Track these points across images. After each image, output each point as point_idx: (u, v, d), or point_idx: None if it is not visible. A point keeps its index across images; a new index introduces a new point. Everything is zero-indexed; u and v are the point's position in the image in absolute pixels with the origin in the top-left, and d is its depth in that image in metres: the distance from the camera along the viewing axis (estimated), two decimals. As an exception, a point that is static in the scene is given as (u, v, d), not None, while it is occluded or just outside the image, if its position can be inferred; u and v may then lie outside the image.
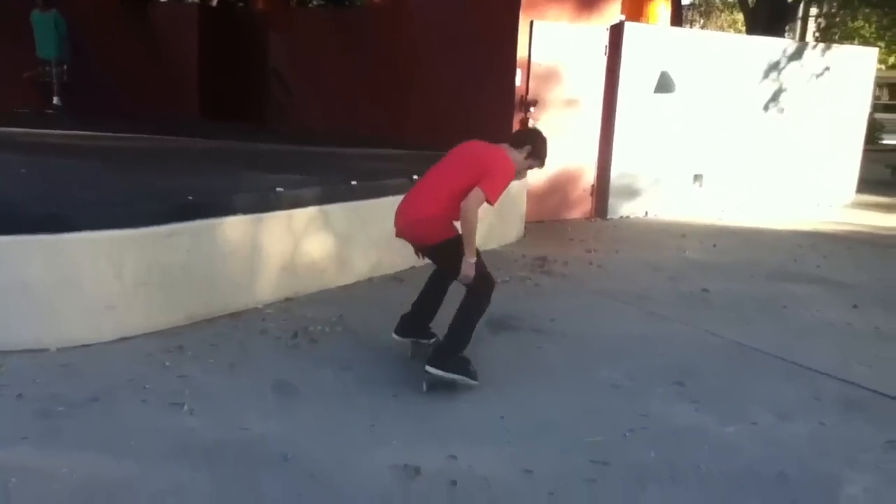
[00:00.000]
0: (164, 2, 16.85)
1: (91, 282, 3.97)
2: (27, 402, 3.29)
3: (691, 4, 28.31)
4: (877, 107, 17.47)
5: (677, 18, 17.91)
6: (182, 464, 2.83)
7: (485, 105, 7.83)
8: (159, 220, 4.17)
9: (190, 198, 4.41)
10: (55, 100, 10.31)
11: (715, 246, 7.18)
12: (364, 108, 9.77)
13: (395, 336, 3.98)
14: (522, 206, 7.16)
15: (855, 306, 5.28)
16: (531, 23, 7.50)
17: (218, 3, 18.47)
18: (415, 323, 3.98)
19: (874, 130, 15.06)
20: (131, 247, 4.08)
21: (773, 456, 3.08)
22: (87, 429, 3.08)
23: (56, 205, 4.19)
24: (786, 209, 9.38)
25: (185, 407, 3.31)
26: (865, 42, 17.71)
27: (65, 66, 10.32)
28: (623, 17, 8.35)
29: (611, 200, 8.33)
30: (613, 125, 8.13)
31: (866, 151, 10.88)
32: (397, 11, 9.39)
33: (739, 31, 23.33)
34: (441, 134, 8.09)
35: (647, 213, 8.59)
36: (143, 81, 11.23)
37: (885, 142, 16.03)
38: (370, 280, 5.44)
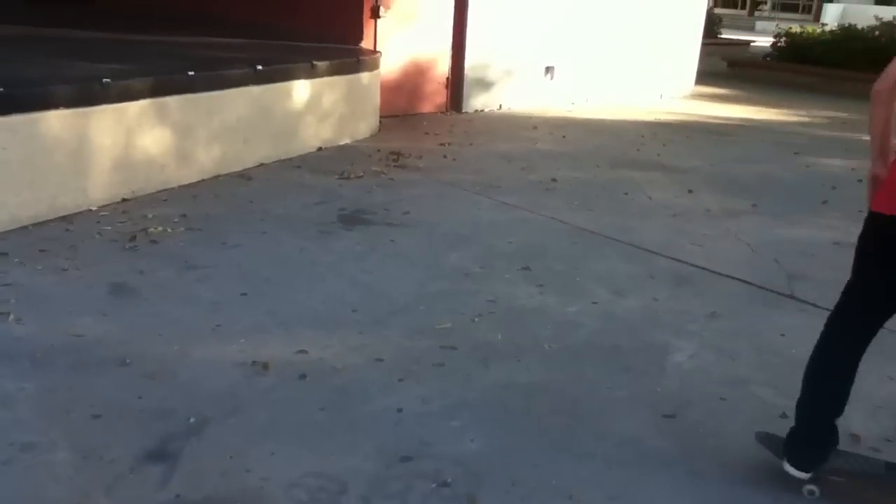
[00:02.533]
0: None
1: None
2: None
3: None
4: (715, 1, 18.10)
5: None
6: (6, 373, 2.64)
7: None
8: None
9: (1, 89, 3.96)
10: None
11: (564, 137, 7.36)
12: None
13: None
14: (376, 100, 6.99)
15: (690, 191, 5.61)
16: None
17: None
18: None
19: (713, 24, 15.72)
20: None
21: (609, 330, 3.27)
22: None
23: None
24: (631, 100, 9.72)
25: (11, 316, 3.07)
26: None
27: None
28: None
29: (465, 93, 8.30)
30: (466, 14, 8.01)
31: (705, 45, 11.38)
32: None
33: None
34: (290, 22, 7.72)
35: (500, 105, 8.65)
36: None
37: (723, 36, 16.81)
38: (216, 178, 5.19)
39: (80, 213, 4.29)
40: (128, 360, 2.78)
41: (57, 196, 4.21)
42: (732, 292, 3.77)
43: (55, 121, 4.17)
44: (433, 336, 3.11)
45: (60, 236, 3.97)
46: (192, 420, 2.43)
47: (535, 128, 7.70)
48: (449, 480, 2.19)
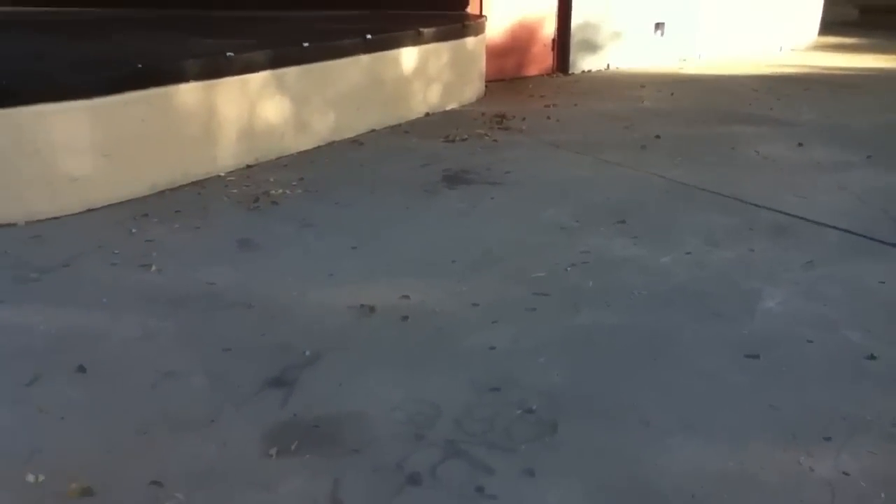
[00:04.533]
0: None
1: (52, 155, 4.05)
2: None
3: None
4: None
5: None
6: (150, 313, 3.04)
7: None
8: (113, 90, 4.20)
9: (140, 66, 4.41)
10: None
11: (672, 94, 7.26)
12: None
13: None
14: (482, 64, 7.15)
15: (800, 144, 5.46)
16: None
17: None
18: None
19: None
20: (88, 117, 4.13)
21: (700, 278, 3.34)
22: (60, 290, 3.27)
23: (7, 78, 4.18)
24: (747, 54, 9.39)
25: (153, 267, 3.49)
26: None
27: None
28: None
29: (572, 55, 8.30)
30: (571, -25, 8.00)
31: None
32: None
33: None
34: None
35: (608, 65, 8.59)
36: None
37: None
38: (330, 144, 5.53)
39: (210, 178, 4.72)
40: (252, 304, 3.12)
41: (189, 163, 4.66)
42: (833, 242, 3.73)
43: (186, 93, 4.59)
44: (527, 284, 3.29)
45: (193, 199, 4.41)
46: (307, 353, 2.74)
47: (642, 87, 7.63)
48: (534, 408, 2.39)
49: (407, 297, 3.18)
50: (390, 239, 3.83)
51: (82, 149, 4.13)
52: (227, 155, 4.87)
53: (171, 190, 4.53)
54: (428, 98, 6.41)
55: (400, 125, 6.07)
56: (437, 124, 6.14)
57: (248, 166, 4.97)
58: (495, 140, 5.69)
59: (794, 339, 2.80)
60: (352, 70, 5.68)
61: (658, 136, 5.67)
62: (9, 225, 3.95)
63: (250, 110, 4.99)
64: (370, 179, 4.77)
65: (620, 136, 5.75)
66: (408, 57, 6.14)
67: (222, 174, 4.81)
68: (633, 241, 3.75)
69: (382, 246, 3.75)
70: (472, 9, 7.63)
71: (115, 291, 3.24)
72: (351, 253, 3.67)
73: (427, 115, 6.38)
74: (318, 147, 5.45)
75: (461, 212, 4.21)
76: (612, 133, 5.85)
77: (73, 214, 4.11)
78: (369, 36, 5.82)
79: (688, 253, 3.61)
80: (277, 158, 5.14)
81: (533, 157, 5.27)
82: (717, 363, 2.64)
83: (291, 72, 5.25)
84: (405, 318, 3.01)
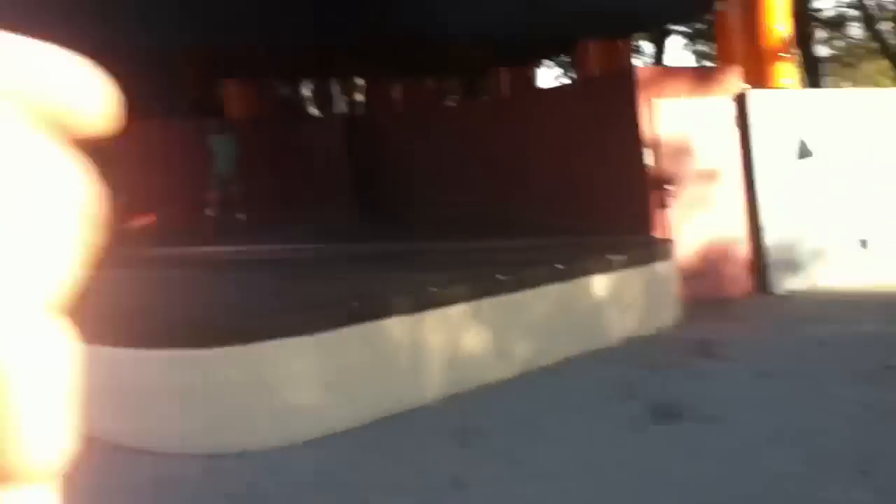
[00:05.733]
0: (315, 116, 18.35)
1: (280, 387, 4.36)
2: (235, 499, 3.63)
3: (831, 56, 27.07)
4: None
5: (813, 74, 17.28)
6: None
7: (616, 187, 7.93)
8: (334, 326, 4.54)
9: (356, 304, 4.75)
10: (238, 215, 11.09)
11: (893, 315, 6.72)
12: (497, 196, 10.11)
13: None
14: (675, 288, 7.04)
15: None
16: (652, 102, 7.56)
17: (360, 112, 19.94)
18: None
19: None
20: (313, 352, 4.47)
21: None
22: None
23: (243, 317, 4.64)
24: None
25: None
26: None
27: (236, 183, 11.10)
28: (747, 87, 8.20)
29: (770, 274, 8.00)
30: (756, 195, 7.92)
31: None
32: (522, 101, 9.78)
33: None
34: (573, 219, 8.27)
35: (810, 284, 8.17)
36: (297, 190, 12.14)
37: None
38: (528, 373, 5.51)
39: (418, 409, 4.80)
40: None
41: (399, 393, 4.80)
42: None
43: (395, 327, 4.85)
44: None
45: (404, 429, 4.48)
46: None
47: (855, 307, 7.15)
48: None
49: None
50: (592, 475, 3.64)
51: (306, 381, 4.43)
52: (432, 384, 4.99)
53: (386, 418, 4.63)
54: (623, 324, 6.33)
55: (596, 352, 5.99)
56: (635, 352, 5.99)
57: (452, 396, 5.02)
58: (699, 369, 5.44)
59: None
60: (545, 299, 5.78)
61: (889, 366, 5.16)
62: (238, 453, 4.18)
63: (452, 341, 5.16)
64: (576, 411, 4.66)
65: (841, 365, 5.31)
66: (599, 284, 6.18)
67: (429, 403, 4.88)
68: (878, 499, 3.30)
69: (584, 482, 3.55)
70: (656, 233, 7.68)
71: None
72: (557, 488, 3.51)
73: (623, 341, 6.27)
74: (517, 376, 5.44)
75: (668, 456, 3.95)
76: (831, 361, 5.42)
77: (295, 444, 4.29)
78: (559, 265, 5.95)
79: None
80: (478, 388, 5.18)
81: (745, 388, 4.96)
82: None
83: (488, 303, 5.42)
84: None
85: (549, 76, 23.39)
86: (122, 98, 0.28)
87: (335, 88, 19.57)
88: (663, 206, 7.62)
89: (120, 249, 8.79)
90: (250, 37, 10.78)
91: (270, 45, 11.07)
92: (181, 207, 10.97)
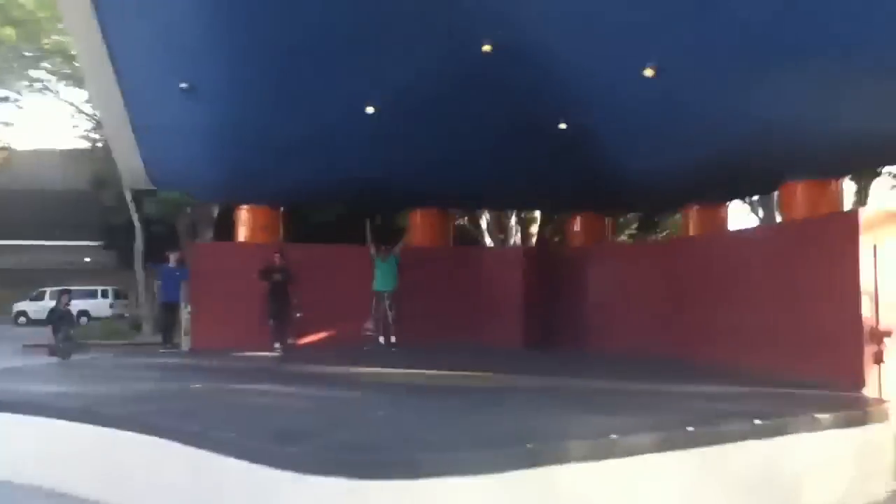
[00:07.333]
0: (491, 247, 18.69)
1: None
2: None
3: None
4: None
5: None
6: None
7: (822, 335, 7.26)
8: (504, 468, 4.27)
9: (529, 446, 4.46)
10: (392, 339, 11.15)
11: None
12: (682, 337, 9.57)
13: None
14: (890, 455, 6.11)
15: None
16: (874, 247, 6.91)
17: (537, 243, 20.06)
18: None
19: None
20: (478, 492, 4.20)
21: None
22: None
23: (408, 450, 4.46)
24: None
25: None
26: None
27: (395, 302, 11.23)
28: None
29: None
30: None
31: None
32: (715, 240, 9.35)
33: None
34: (765, 366, 7.54)
35: None
36: (472, 316, 12.22)
37: None
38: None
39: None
40: None
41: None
42: None
43: (569, 474, 4.48)
44: None
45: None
46: None
47: None
48: None
49: None
50: None
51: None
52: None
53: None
54: (828, 494, 5.51)
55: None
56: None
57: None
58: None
59: None
60: (740, 457, 5.17)
61: None
62: None
63: (630, 497, 4.68)
64: None
65: None
66: (803, 443, 5.46)
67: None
68: None
69: None
70: (870, 390, 6.81)
71: None
72: None
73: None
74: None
75: None
76: None
77: None
78: (758, 421, 5.34)
79: None
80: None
81: None
82: None
83: (675, 456, 4.91)
84: None
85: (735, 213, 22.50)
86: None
87: (512, 219, 19.83)
88: (878, 361, 6.79)
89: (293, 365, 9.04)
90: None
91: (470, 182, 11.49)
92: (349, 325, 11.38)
